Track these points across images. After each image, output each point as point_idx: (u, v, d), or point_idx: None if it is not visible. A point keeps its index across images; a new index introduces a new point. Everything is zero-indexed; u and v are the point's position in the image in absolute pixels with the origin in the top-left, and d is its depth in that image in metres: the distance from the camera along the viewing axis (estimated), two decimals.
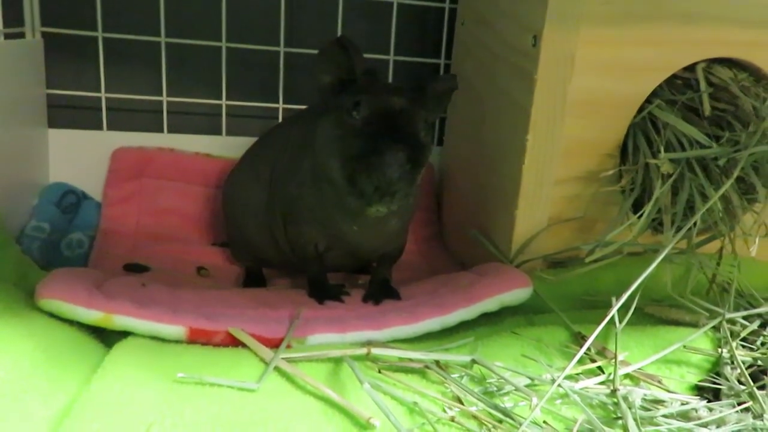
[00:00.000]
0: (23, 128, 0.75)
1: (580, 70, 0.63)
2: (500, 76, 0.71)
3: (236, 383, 0.47)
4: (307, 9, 0.87)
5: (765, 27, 0.65)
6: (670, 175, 0.58)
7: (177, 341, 0.53)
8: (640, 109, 0.66)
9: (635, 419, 0.46)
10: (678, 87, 0.66)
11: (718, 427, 0.46)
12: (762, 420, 0.46)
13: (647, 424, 0.47)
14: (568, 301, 0.66)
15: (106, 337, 0.53)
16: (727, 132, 0.59)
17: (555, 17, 0.61)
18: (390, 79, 0.90)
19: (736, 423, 0.45)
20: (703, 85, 0.63)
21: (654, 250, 0.59)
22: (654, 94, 0.66)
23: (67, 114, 0.83)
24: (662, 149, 0.59)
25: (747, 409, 0.48)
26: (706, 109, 0.62)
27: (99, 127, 0.83)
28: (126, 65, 0.83)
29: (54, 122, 0.82)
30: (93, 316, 0.51)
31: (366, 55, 0.82)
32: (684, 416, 0.48)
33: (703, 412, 0.47)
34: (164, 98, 0.84)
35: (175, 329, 0.52)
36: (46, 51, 0.79)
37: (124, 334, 0.52)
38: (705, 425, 0.47)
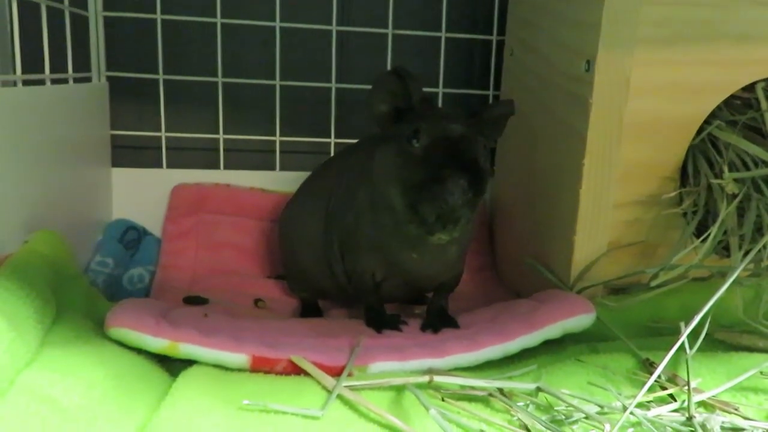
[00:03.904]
0: (89, 168, 0.78)
1: (635, 93, 0.62)
2: (552, 102, 0.71)
3: (300, 411, 0.47)
4: (356, 45, 0.89)
5: None
6: (735, 196, 0.57)
7: (240, 369, 0.53)
8: (699, 131, 0.65)
9: None
10: (737, 107, 0.65)
11: None
12: None
13: None
14: (631, 328, 0.64)
15: (171, 366, 0.54)
16: None
17: (608, 42, 0.61)
18: None
19: None
20: (764, 104, 0.62)
21: (722, 273, 0.58)
22: (712, 115, 0.65)
23: (129, 153, 0.86)
24: (725, 169, 0.58)
25: None
26: None
27: (159, 165, 0.86)
28: (185, 105, 0.86)
29: (117, 161, 0.85)
30: (160, 344, 0.52)
31: None
32: None
33: None
34: (221, 136, 0.87)
35: (239, 357, 0.53)
36: (110, 93, 0.83)
37: (188, 363, 0.53)
38: None
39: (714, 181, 0.58)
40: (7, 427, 0.39)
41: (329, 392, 0.50)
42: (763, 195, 0.57)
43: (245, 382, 0.52)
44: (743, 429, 0.48)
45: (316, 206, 0.69)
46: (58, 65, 0.69)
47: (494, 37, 0.90)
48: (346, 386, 0.51)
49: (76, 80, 0.74)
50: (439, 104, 0.91)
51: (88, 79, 0.79)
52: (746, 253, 0.57)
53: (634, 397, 0.51)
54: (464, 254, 0.64)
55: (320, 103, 0.89)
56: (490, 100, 0.92)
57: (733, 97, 0.65)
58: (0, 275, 0.47)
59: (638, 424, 0.48)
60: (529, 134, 0.77)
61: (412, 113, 0.55)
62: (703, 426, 0.46)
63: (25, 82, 0.62)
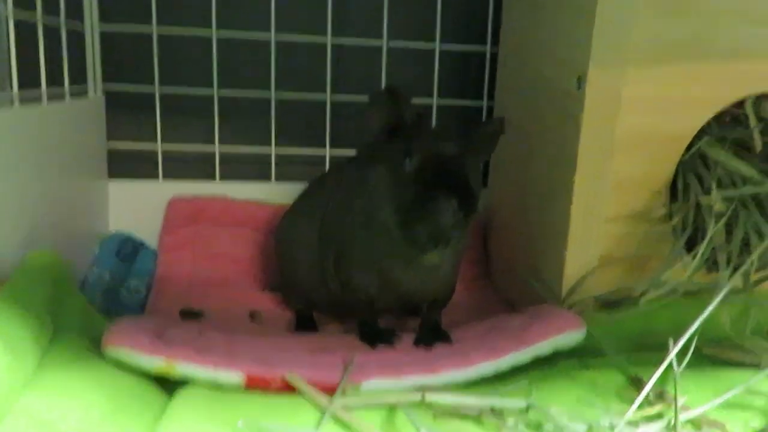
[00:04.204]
0: (86, 180, 0.79)
1: (626, 109, 0.63)
2: (545, 116, 0.71)
3: (295, 430, 0.48)
4: (351, 57, 0.89)
5: None
6: (723, 214, 0.58)
7: (235, 388, 0.54)
8: (690, 146, 0.65)
9: None
10: (727, 123, 0.66)
11: None
12: None
13: None
14: (622, 342, 0.65)
15: (167, 385, 0.55)
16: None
17: (599, 59, 0.62)
18: (434, 123, 0.92)
19: None
20: (753, 120, 0.63)
21: (711, 289, 0.58)
22: (703, 130, 0.65)
23: (126, 165, 0.87)
24: (714, 187, 0.59)
25: None
26: (757, 145, 0.62)
27: (155, 177, 0.87)
28: (181, 117, 0.87)
29: (114, 173, 0.86)
30: (155, 363, 0.52)
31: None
32: None
33: None
34: (216, 147, 0.88)
35: (233, 375, 0.53)
36: (107, 106, 0.84)
37: (184, 382, 0.54)
38: None
39: (702, 200, 0.59)
40: None
41: (323, 411, 0.51)
42: (750, 212, 0.58)
43: (240, 401, 0.52)
44: None
45: (311, 221, 0.70)
46: (54, 79, 0.69)
47: (488, 48, 0.91)
48: (340, 405, 0.52)
49: (73, 94, 0.75)
50: (434, 115, 0.91)
51: (85, 92, 0.79)
52: (735, 269, 0.58)
53: (623, 413, 0.52)
54: (457, 269, 0.65)
55: (315, 114, 0.89)
56: (485, 111, 0.92)
57: (723, 112, 0.66)
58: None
59: None
60: (523, 146, 0.77)
61: (404, 131, 0.56)
62: None
63: (22, 99, 0.63)
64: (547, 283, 0.71)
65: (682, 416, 0.52)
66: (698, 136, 0.65)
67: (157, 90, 0.84)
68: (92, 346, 0.55)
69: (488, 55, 0.91)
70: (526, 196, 0.77)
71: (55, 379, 0.47)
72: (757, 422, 0.54)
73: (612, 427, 0.49)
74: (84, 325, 0.57)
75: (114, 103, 0.84)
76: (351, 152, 0.90)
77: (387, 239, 0.56)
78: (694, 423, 0.53)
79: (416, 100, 0.90)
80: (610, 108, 0.63)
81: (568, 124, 0.65)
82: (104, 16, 0.81)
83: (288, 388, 0.54)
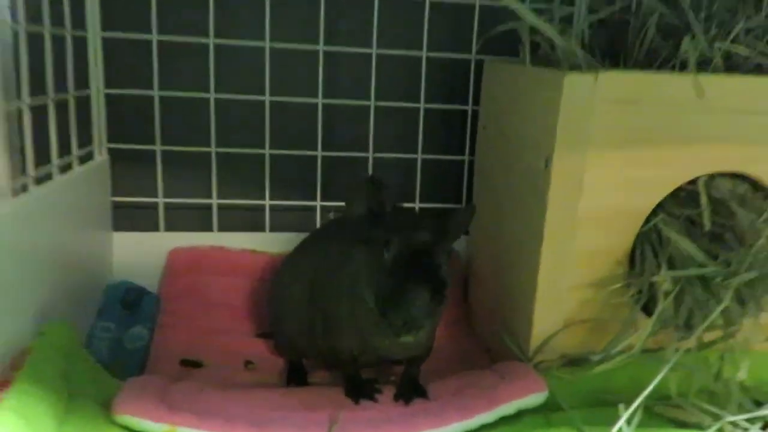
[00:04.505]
0: (91, 233, 0.85)
1: (588, 188, 0.69)
2: (517, 186, 0.78)
3: None
4: (340, 116, 0.96)
5: (760, 144, 0.71)
6: (671, 291, 0.64)
7: None
8: (648, 219, 0.72)
9: None
10: (682, 199, 0.72)
11: None
12: None
13: None
14: (584, 397, 0.71)
15: None
16: (721, 252, 0.64)
17: (564, 144, 0.68)
18: (419, 177, 0.98)
19: None
20: (703, 200, 0.69)
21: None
22: (660, 205, 0.72)
23: (129, 218, 0.93)
24: (664, 266, 0.65)
25: None
26: (706, 225, 0.68)
27: (157, 229, 0.93)
28: (181, 172, 0.93)
29: (117, 226, 0.92)
30: (161, 428, 0.59)
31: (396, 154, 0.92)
32: None
33: None
34: (214, 200, 0.94)
35: None
36: (111, 163, 0.89)
37: None
38: None
39: (652, 279, 0.65)
40: None
41: None
42: (694, 290, 0.64)
43: None
44: None
45: (302, 282, 0.76)
46: (61, 146, 0.75)
47: (470, 107, 0.97)
48: None
49: (81, 159, 0.81)
50: (418, 169, 0.98)
51: (90, 155, 0.85)
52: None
53: None
54: (434, 333, 0.71)
55: (307, 169, 0.96)
56: (466, 165, 0.99)
57: (679, 188, 0.72)
58: (20, 377, 0.54)
59: None
60: (498, 205, 0.84)
61: (384, 218, 0.62)
62: None
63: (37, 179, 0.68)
64: (517, 340, 0.77)
65: None
66: (656, 211, 0.72)
67: (158, 148, 0.90)
68: (103, 410, 0.61)
69: (470, 113, 0.97)
70: (500, 255, 0.84)
71: None
72: None
73: None
74: (96, 390, 0.63)
75: (118, 159, 0.90)
76: (339, 203, 0.96)
77: (368, 315, 0.62)
78: None
79: (402, 155, 0.98)
80: (574, 187, 0.69)
81: (536, 199, 0.71)
82: (108, 83, 0.87)
83: None
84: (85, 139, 0.85)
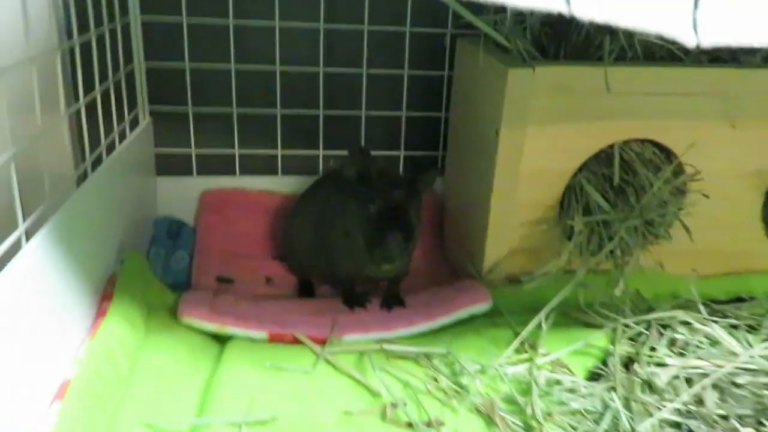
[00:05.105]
0: (143, 179, 1.07)
1: (528, 153, 0.90)
2: (476, 145, 0.99)
3: (299, 368, 0.79)
4: (338, 81, 1.15)
5: (664, 118, 0.92)
6: (581, 231, 0.87)
7: (263, 341, 0.84)
8: (575, 176, 0.93)
9: (539, 390, 0.76)
10: (602, 160, 0.93)
11: (589, 396, 0.76)
12: (614, 392, 0.76)
13: (545, 394, 0.77)
14: (521, 307, 0.94)
15: (220, 339, 0.85)
16: (621, 202, 0.87)
17: (509, 119, 0.88)
18: (403, 130, 1.20)
19: (597, 396, 0.75)
20: (616, 161, 0.90)
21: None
22: (585, 164, 0.93)
23: (169, 165, 1.14)
24: (579, 212, 0.88)
25: (613, 387, 0.78)
26: (615, 180, 0.90)
27: (191, 174, 1.15)
28: (209, 128, 1.13)
29: (160, 172, 1.14)
30: (212, 327, 0.83)
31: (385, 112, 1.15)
32: (572, 391, 0.78)
33: (584, 389, 0.77)
34: (236, 150, 1.15)
35: (261, 333, 0.83)
36: (153, 122, 1.10)
37: (230, 337, 0.85)
38: (583, 396, 0.77)
39: (569, 222, 0.88)
40: (136, 390, 0.71)
41: (318, 356, 0.82)
42: (600, 230, 0.87)
43: (266, 349, 0.82)
44: (561, 380, 0.79)
45: (309, 220, 0.99)
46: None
47: (446, 72, 1.16)
48: (328, 352, 0.83)
49: (131, 125, 1.01)
50: (403, 127, 1.19)
51: (136, 117, 1.06)
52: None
53: (506, 358, 0.83)
54: (410, 259, 0.94)
55: (311, 125, 1.16)
56: (443, 121, 1.20)
57: (602, 152, 0.93)
58: (118, 292, 0.78)
59: (500, 376, 0.80)
60: (463, 159, 1.05)
61: (370, 179, 0.84)
62: (535, 378, 0.78)
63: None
64: (474, 263, 1.01)
65: (540, 360, 0.83)
66: (581, 169, 0.93)
67: (190, 109, 1.11)
68: (170, 315, 0.85)
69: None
70: (464, 196, 1.06)
71: (156, 341, 0.78)
72: (590, 364, 0.85)
73: (495, 367, 0.80)
74: (162, 301, 0.88)
75: (159, 119, 1.11)
76: (337, 151, 1.18)
77: (359, 250, 0.85)
78: (551, 364, 0.84)
79: (389, 113, 1.18)
80: (516, 151, 0.90)
81: (488, 158, 0.93)
82: (148, 54, 1.06)
83: (296, 341, 0.84)
84: (132, 102, 1.05)
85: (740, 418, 0.70)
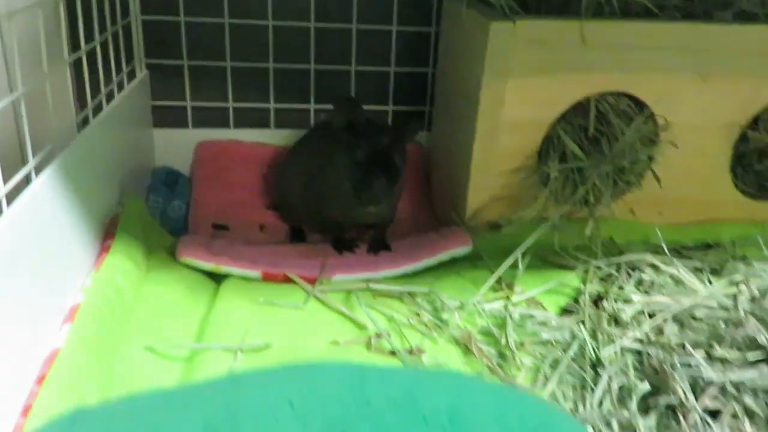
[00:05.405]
0: (141, 130, 1.11)
1: (508, 104, 0.94)
2: (460, 97, 1.03)
3: (291, 304, 0.84)
4: (329, 37, 1.18)
5: (638, 71, 0.96)
6: (557, 178, 0.92)
7: (256, 280, 0.90)
8: (553, 126, 0.98)
9: (513, 323, 0.82)
10: (579, 111, 0.98)
11: (559, 329, 0.82)
12: (583, 325, 0.82)
13: (518, 327, 0.83)
14: (500, 250, 0.99)
15: (217, 277, 0.91)
16: (595, 151, 0.92)
17: (491, 71, 0.92)
18: (392, 85, 1.23)
19: (566, 328, 0.81)
20: (591, 113, 0.95)
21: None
22: (563, 115, 0.98)
23: (165, 117, 1.19)
24: (555, 160, 0.93)
25: (582, 321, 0.84)
26: (590, 130, 0.95)
27: (186, 126, 1.19)
28: (204, 82, 1.17)
29: (156, 123, 1.18)
30: (209, 266, 0.88)
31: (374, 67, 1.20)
32: (543, 324, 0.85)
33: (554, 323, 0.84)
34: (230, 104, 1.19)
35: (255, 273, 0.89)
36: (149, 75, 1.14)
37: (226, 276, 0.90)
38: (554, 329, 0.83)
39: (545, 169, 0.93)
40: (139, 318, 0.77)
41: (308, 294, 0.88)
42: (574, 178, 0.92)
43: (259, 287, 0.87)
44: (535, 316, 0.86)
45: (300, 168, 1.03)
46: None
47: (433, 29, 1.20)
48: (318, 290, 0.88)
49: (129, 77, 1.05)
50: (391, 81, 1.23)
51: (133, 70, 1.09)
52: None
53: (483, 295, 0.89)
54: (395, 206, 1.00)
55: (303, 79, 1.20)
56: (430, 76, 1.24)
57: (580, 104, 0.98)
58: (120, 231, 0.83)
59: (478, 312, 0.86)
60: (448, 111, 1.10)
61: (358, 128, 0.88)
62: (510, 313, 0.85)
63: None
64: (457, 210, 1.06)
65: (515, 298, 0.88)
66: (559, 120, 0.98)
67: (186, 62, 1.14)
68: (168, 255, 0.90)
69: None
70: (449, 147, 1.11)
71: (157, 277, 0.84)
72: (563, 302, 0.91)
73: (473, 303, 0.86)
74: (161, 242, 0.93)
75: (155, 72, 1.14)
76: (328, 105, 1.22)
77: (347, 194, 0.90)
78: (526, 302, 0.90)
79: (378, 68, 1.22)
80: (498, 102, 0.95)
81: (471, 109, 0.97)
82: (145, 9, 1.09)
83: (288, 280, 0.90)
84: (128, 55, 1.08)
85: (696, 345, 0.76)
